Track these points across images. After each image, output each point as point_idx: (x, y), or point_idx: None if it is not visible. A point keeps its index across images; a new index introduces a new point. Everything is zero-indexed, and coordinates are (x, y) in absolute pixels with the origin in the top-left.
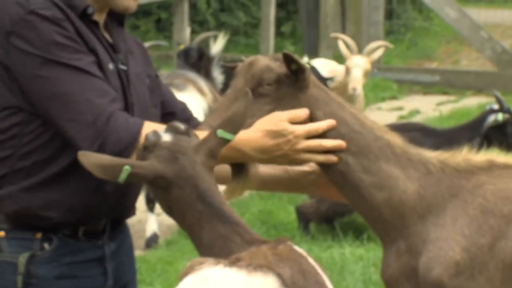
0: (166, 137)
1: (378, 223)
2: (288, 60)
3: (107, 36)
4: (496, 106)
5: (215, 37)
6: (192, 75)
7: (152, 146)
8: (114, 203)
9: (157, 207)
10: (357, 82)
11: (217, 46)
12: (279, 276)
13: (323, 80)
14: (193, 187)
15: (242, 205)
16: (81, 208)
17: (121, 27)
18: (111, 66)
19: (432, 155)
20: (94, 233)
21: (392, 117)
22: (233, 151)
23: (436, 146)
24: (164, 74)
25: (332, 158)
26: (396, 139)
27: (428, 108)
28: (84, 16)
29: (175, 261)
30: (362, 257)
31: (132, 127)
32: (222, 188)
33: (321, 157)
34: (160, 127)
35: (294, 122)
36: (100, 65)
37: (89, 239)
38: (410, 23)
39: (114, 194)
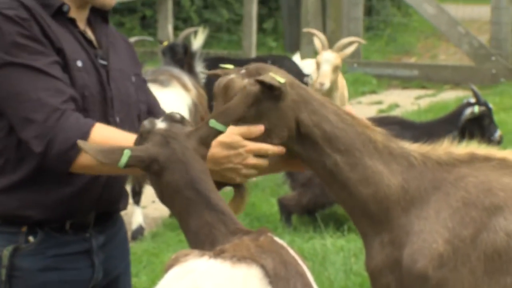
0: (161, 125)
1: (363, 218)
2: (265, 86)
3: (88, 32)
4: (473, 100)
5: (196, 33)
6: (177, 71)
7: (147, 133)
8: (97, 198)
9: (143, 200)
10: (325, 77)
11: (198, 41)
12: (262, 267)
13: (302, 76)
14: (182, 172)
15: (226, 198)
16: (60, 205)
17: (105, 23)
18: (79, 63)
19: (413, 148)
20: (82, 226)
21: (371, 111)
22: None
23: (415, 139)
24: (149, 70)
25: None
26: (377, 134)
27: (406, 102)
28: (60, 13)
29: (160, 253)
30: (343, 248)
31: (82, 127)
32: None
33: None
34: (112, 129)
35: (248, 138)
36: (66, 64)
37: (77, 232)
38: (389, 19)
39: (95, 189)
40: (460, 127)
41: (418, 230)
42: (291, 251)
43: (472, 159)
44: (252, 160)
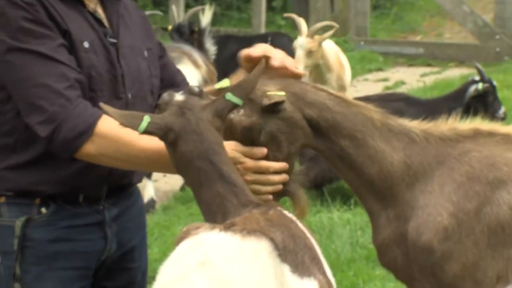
0: (179, 97)
1: (369, 195)
2: (275, 105)
3: (99, 10)
4: (477, 78)
5: (203, 10)
6: (187, 48)
7: (165, 104)
8: (107, 172)
9: (154, 174)
10: (297, 62)
11: (206, 18)
12: (272, 240)
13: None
14: (196, 143)
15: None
16: (71, 180)
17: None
18: (86, 44)
19: (414, 125)
20: (95, 198)
21: (378, 88)
22: None
23: (420, 115)
24: None
25: (279, 187)
26: (372, 113)
27: (412, 79)
28: None
29: (171, 226)
30: (350, 221)
31: (89, 118)
32: None
33: (269, 189)
34: (117, 123)
35: (249, 157)
36: (73, 45)
37: (90, 204)
38: None
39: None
40: (465, 104)
41: (423, 204)
42: (300, 225)
43: (476, 135)
44: (250, 177)
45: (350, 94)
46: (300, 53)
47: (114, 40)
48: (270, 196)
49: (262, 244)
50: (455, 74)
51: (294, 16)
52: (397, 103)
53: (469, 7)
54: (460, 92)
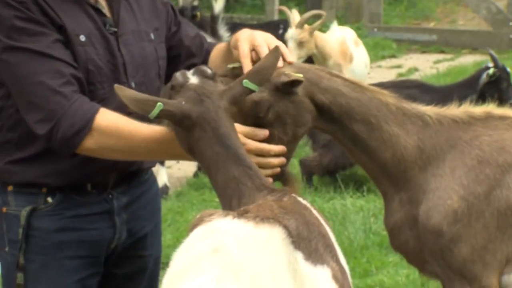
0: (193, 79)
1: (383, 179)
2: (292, 84)
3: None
4: (491, 64)
5: None
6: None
7: (179, 86)
8: (114, 162)
9: (167, 161)
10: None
11: (218, 4)
12: (285, 227)
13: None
14: (213, 130)
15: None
16: (78, 170)
17: None
18: (83, 38)
19: (427, 108)
20: (104, 186)
21: (391, 75)
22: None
23: (434, 102)
24: None
25: (277, 170)
26: (387, 97)
27: (425, 66)
28: None
29: (184, 212)
30: (363, 208)
31: (86, 114)
32: None
33: (268, 172)
34: (116, 115)
35: (251, 138)
36: (68, 40)
37: (98, 193)
38: None
39: None
40: (478, 90)
41: (434, 188)
42: (315, 212)
43: (487, 118)
44: (252, 159)
45: (364, 81)
46: (291, 45)
47: (114, 29)
48: (270, 179)
49: (275, 231)
50: (468, 61)
51: (286, 9)
52: (411, 90)
53: None
54: (473, 79)
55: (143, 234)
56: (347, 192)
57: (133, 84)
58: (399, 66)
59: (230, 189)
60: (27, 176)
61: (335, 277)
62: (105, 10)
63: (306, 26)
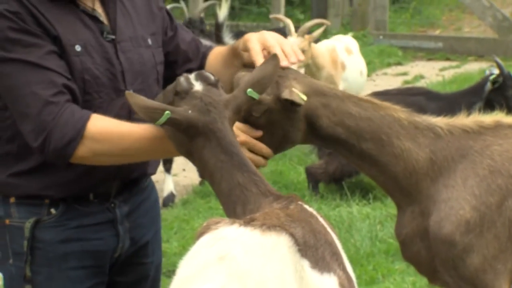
0: (198, 86)
1: (395, 191)
2: (292, 103)
3: (97, 4)
4: (495, 70)
5: (220, 4)
6: (208, 43)
7: (184, 93)
8: (115, 169)
9: (174, 168)
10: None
11: (222, 12)
12: (292, 235)
13: None
14: (219, 139)
15: None
16: (79, 182)
17: None
18: (78, 48)
19: (438, 119)
20: (106, 196)
21: (397, 82)
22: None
23: (440, 110)
24: None
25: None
26: (399, 112)
27: (431, 73)
28: None
29: (191, 220)
30: (369, 215)
31: (77, 123)
32: None
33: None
34: (109, 120)
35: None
36: (64, 50)
37: (101, 202)
38: None
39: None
40: (484, 98)
41: (446, 198)
42: (321, 219)
43: (497, 127)
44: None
45: (369, 88)
46: None
47: (111, 37)
48: None
49: (282, 239)
50: (474, 68)
51: (281, 16)
52: (417, 97)
53: (488, 1)
54: (479, 86)
55: (144, 242)
56: (353, 200)
57: (131, 91)
58: (405, 74)
59: (235, 195)
60: (29, 189)
61: (341, 285)
62: (102, 17)
63: (306, 35)
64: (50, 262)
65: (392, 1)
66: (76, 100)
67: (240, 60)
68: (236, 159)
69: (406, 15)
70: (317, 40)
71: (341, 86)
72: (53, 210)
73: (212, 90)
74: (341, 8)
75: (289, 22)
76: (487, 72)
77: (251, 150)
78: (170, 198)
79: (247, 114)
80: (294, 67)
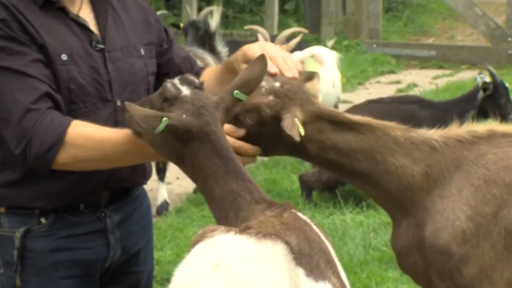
0: (185, 91)
1: (389, 204)
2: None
3: (86, 12)
4: (486, 78)
5: (211, 13)
6: (200, 51)
7: (174, 99)
8: (106, 179)
9: (168, 176)
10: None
11: (214, 21)
12: (287, 243)
13: None
14: (213, 142)
15: None
16: (69, 191)
17: None
18: (64, 57)
19: (433, 132)
20: (96, 205)
21: (390, 90)
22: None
23: (433, 118)
24: None
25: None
26: (396, 130)
27: (424, 81)
28: (49, 4)
29: (184, 228)
30: (362, 223)
31: (57, 130)
32: None
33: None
34: (89, 126)
35: (229, 135)
36: (50, 59)
37: (91, 212)
38: (407, 0)
39: (102, 171)
40: (477, 106)
41: (441, 209)
42: (315, 227)
43: (491, 136)
44: None
45: (363, 96)
46: None
47: (101, 46)
48: None
49: (277, 247)
50: (467, 76)
51: (257, 27)
52: (410, 105)
53: (481, 9)
54: (472, 95)
55: (136, 250)
56: (346, 208)
57: (118, 102)
58: (398, 82)
59: (228, 202)
60: (18, 199)
61: None
62: (91, 25)
63: (283, 45)
64: (40, 271)
65: (385, 9)
66: (59, 109)
67: (235, 75)
68: (231, 165)
69: (400, 23)
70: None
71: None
72: (43, 220)
73: (200, 93)
74: (334, 17)
75: (265, 32)
76: (478, 80)
77: (237, 152)
78: (164, 206)
79: (237, 115)
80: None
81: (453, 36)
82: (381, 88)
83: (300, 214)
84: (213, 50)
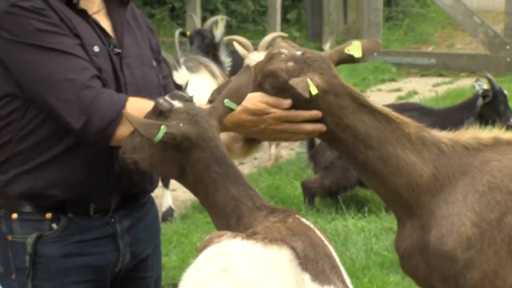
0: (178, 104)
1: (396, 203)
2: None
3: (103, 18)
4: (484, 85)
5: (216, 23)
6: (204, 59)
7: (168, 111)
8: (117, 179)
9: (172, 183)
10: None
11: (219, 31)
12: (293, 249)
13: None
14: (212, 149)
15: (251, 181)
16: (82, 185)
17: (123, 7)
18: (96, 48)
19: (443, 134)
20: (106, 210)
21: (391, 98)
22: None
23: (433, 125)
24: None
25: (316, 129)
26: (410, 127)
27: (425, 89)
28: (71, 5)
29: (189, 234)
30: (364, 229)
31: (116, 105)
32: None
33: (302, 137)
34: (144, 101)
35: (275, 107)
36: (84, 49)
37: (101, 217)
38: (407, 9)
39: (115, 170)
40: (477, 113)
41: (447, 214)
42: (318, 232)
43: (496, 143)
44: (279, 126)
45: None
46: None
47: (118, 50)
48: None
49: (283, 252)
50: (466, 84)
51: (236, 37)
52: (411, 112)
53: (480, 18)
54: (471, 102)
55: (144, 256)
56: (348, 213)
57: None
58: (398, 90)
59: (229, 208)
60: (35, 186)
61: None
62: (108, 30)
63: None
64: (52, 276)
65: (386, 18)
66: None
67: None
68: (230, 171)
69: (400, 32)
70: None
71: None
72: (54, 225)
73: (192, 104)
74: (336, 26)
75: (245, 41)
76: (477, 87)
77: (288, 121)
78: (169, 212)
79: (264, 81)
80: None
81: (453, 45)
82: (382, 95)
83: (303, 220)
84: (217, 60)
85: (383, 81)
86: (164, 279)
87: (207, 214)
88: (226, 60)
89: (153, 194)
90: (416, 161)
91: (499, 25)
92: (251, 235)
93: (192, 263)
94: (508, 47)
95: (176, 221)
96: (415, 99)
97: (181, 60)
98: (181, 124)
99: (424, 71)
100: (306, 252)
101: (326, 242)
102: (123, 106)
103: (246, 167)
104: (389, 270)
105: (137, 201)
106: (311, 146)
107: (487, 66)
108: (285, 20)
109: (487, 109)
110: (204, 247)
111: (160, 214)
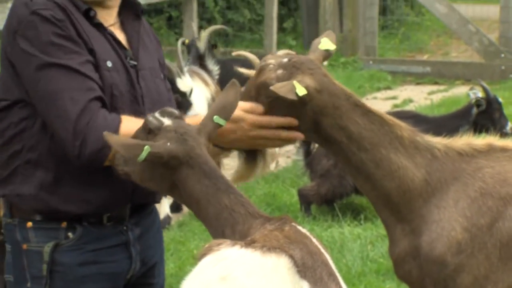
0: (167, 121)
1: (386, 208)
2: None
3: (118, 31)
4: (479, 93)
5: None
6: (196, 68)
7: (157, 130)
8: (132, 191)
9: None
10: None
11: (203, 44)
12: (291, 257)
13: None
14: (201, 165)
15: (248, 189)
16: (97, 199)
17: (137, 20)
18: (109, 63)
19: (437, 140)
20: (119, 219)
21: (386, 106)
22: None
23: (428, 132)
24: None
25: (291, 137)
26: (403, 131)
27: (420, 97)
28: (87, 16)
29: (186, 241)
30: (360, 236)
31: (110, 125)
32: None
33: (277, 143)
34: (137, 120)
35: (252, 113)
36: (97, 63)
37: (114, 225)
38: (403, 18)
39: (129, 183)
40: (471, 121)
41: (438, 219)
42: (314, 240)
43: (489, 150)
44: (253, 132)
45: None
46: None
47: (134, 62)
48: (277, 149)
49: (282, 260)
50: (461, 92)
51: (244, 53)
52: (406, 120)
53: (475, 26)
54: (466, 110)
55: (153, 263)
56: (344, 221)
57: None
58: (394, 98)
59: (223, 218)
60: (50, 203)
61: None
62: (124, 42)
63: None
64: (68, 284)
65: (381, 27)
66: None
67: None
68: (221, 182)
69: (395, 40)
70: None
71: None
72: (70, 234)
73: (181, 122)
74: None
75: (253, 57)
76: (471, 95)
77: (262, 127)
78: (166, 220)
79: (258, 94)
80: None
81: (448, 53)
82: (377, 103)
83: (300, 228)
84: (206, 69)
85: (378, 89)
86: None
87: None
88: (214, 68)
89: None
90: (408, 165)
91: (494, 33)
92: (250, 243)
93: (190, 271)
94: (503, 55)
95: (174, 229)
96: (410, 107)
97: (185, 68)
98: (168, 144)
99: (419, 79)
100: (304, 260)
101: (323, 250)
102: (117, 127)
103: None
104: (385, 277)
105: (145, 210)
106: (307, 153)
107: (482, 74)
108: (281, 29)
109: (482, 117)
110: (203, 255)
111: None
